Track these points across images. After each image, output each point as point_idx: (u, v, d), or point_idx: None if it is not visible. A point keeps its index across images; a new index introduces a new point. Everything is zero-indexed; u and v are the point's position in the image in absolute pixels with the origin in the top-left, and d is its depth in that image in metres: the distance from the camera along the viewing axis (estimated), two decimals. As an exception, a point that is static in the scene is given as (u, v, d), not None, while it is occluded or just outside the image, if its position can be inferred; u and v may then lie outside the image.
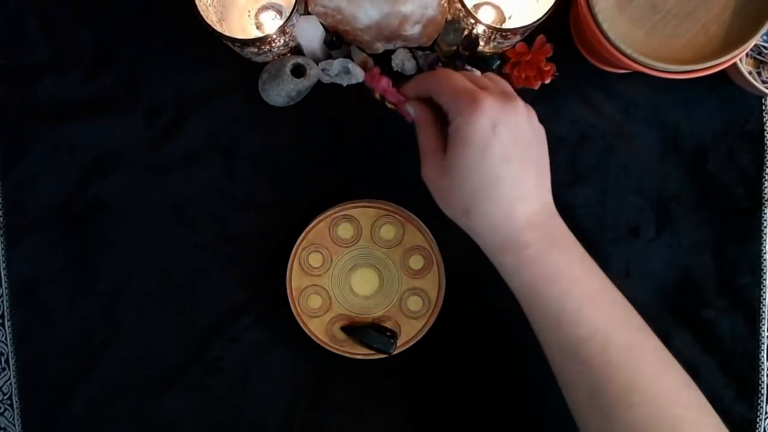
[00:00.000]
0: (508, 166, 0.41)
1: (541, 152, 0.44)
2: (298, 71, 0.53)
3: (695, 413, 0.41)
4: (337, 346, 0.53)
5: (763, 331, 0.57)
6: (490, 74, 0.45)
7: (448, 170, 0.42)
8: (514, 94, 0.43)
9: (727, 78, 0.56)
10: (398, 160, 0.56)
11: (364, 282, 0.53)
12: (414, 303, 0.53)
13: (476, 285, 0.56)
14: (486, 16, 0.54)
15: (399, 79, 0.55)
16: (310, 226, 0.52)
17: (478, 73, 0.54)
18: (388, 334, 0.52)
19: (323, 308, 0.53)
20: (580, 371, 0.41)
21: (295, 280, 0.52)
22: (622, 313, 0.43)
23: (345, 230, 0.52)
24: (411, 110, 0.46)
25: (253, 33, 0.55)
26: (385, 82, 0.47)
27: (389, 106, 0.49)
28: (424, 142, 0.44)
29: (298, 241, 0.52)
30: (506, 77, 0.55)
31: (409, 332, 0.53)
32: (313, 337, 0.52)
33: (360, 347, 0.53)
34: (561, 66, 0.54)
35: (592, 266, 0.43)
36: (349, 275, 0.53)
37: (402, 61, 0.54)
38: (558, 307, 0.41)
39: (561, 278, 0.41)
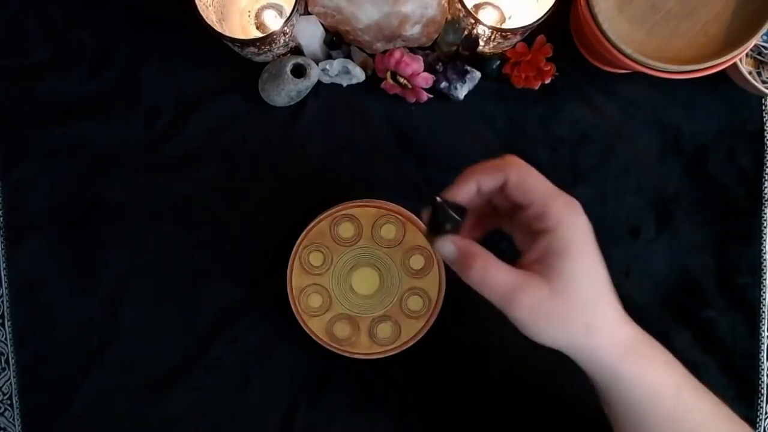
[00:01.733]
0: (603, 264, 0.38)
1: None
2: (298, 71, 0.53)
3: None
4: (337, 346, 0.53)
5: (763, 331, 0.57)
6: None
7: (563, 290, 0.36)
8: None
9: (727, 78, 0.56)
10: (399, 160, 0.56)
11: (365, 281, 0.53)
12: (414, 303, 0.53)
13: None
14: (486, 16, 0.54)
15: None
16: (311, 225, 0.52)
17: (478, 74, 0.54)
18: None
19: (323, 307, 0.53)
20: None
21: (296, 279, 0.52)
22: (712, 400, 0.41)
23: (346, 229, 0.52)
24: (450, 250, 0.38)
25: (253, 33, 0.55)
26: (398, 53, 0.47)
27: (401, 82, 0.48)
28: (502, 278, 0.37)
29: (299, 240, 0.52)
30: (506, 77, 0.55)
31: (409, 332, 0.53)
32: (314, 337, 0.52)
33: (361, 345, 0.52)
34: (561, 66, 0.54)
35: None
36: (349, 274, 0.53)
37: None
38: (674, 401, 0.39)
39: (674, 373, 0.39)
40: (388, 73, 0.52)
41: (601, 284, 0.37)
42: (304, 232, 0.52)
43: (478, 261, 0.37)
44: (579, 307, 0.36)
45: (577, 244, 0.37)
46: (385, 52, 0.54)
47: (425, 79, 0.52)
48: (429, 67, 0.54)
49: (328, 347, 0.53)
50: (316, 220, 0.52)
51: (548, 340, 0.37)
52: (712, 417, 0.40)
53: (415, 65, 0.50)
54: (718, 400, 0.41)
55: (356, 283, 0.53)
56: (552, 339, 0.37)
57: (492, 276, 0.37)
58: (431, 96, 0.54)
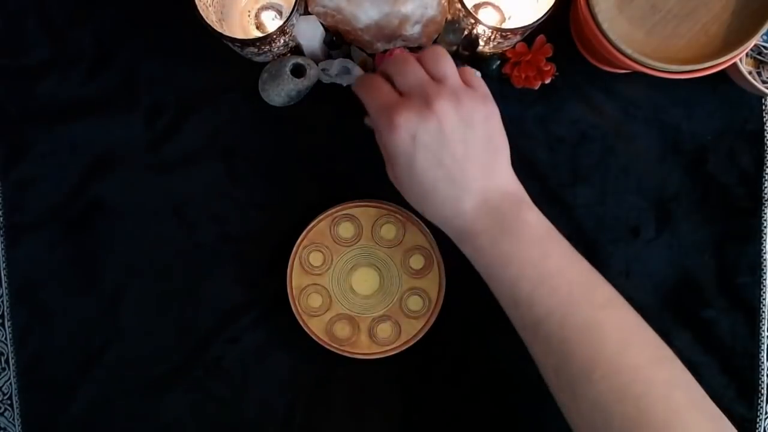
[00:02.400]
0: (439, 169, 0.42)
1: (486, 136, 0.44)
2: (298, 71, 0.53)
3: (662, 390, 0.40)
4: (337, 346, 0.53)
5: (763, 331, 0.57)
6: (426, 61, 0.44)
7: (395, 179, 0.45)
8: (440, 89, 0.42)
9: (727, 78, 0.56)
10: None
11: (365, 281, 0.53)
12: (414, 303, 0.53)
13: (476, 285, 0.56)
14: (486, 17, 0.54)
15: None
16: (311, 225, 0.52)
17: (478, 74, 0.54)
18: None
19: (323, 307, 0.53)
20: (544, 350, 0.43)
21: (296, 279, 0.52)
22: (582, 292, 0.43)
23: (346, 229, 0.52)
24: (366, 123, 0.48)
25: (253, 33, 0.55)
26: (398, 51, 0.47)
27: None
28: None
29: (299, 240, 0.52)
30: (506, 77, 0.55)
31: (409, 332, 0.53)
32: (314, 337, 0.52)
33: (361, 345, 0.52)
34: (561, 66, 0.54)
35: (551, 246, 0.44)
36: (349, 274, 0.53)
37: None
38: (512, 291, 0.43)
39: (512, 263, 0.43)
40: None
41: (420, 185, 0.43)
42: (304, 232, 0.52)
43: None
44: (408, 195, 0.45)
45: (390, 154, 0.44)
46: (385, 51, 0.54)
47: None
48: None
49: (328, 347, 0.53)
50: (316, 220, 0.52)
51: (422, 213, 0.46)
52: (559, 309, 0.42)
53: None
54: (587, 287, 0.43)
55: (356, 283, 0.53)
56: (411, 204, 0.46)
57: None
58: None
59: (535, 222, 0.44)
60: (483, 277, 0.45)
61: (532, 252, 0.43)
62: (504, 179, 0.45)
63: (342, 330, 0.53)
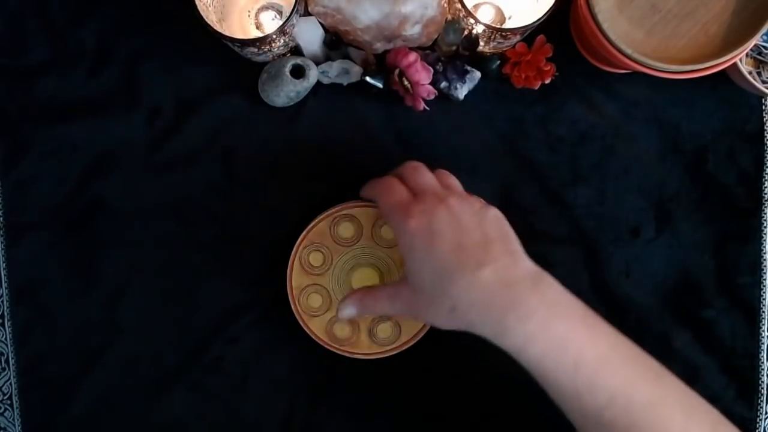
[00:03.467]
0: (461, 253, 0.41)
1: (499, 227, 0.43)
2: (298, 72, 0.53)
3: None
4: (337, 346, 0.53)
5: (763, 331, 0.57)
6: (436, 176, 0.47)
7: (414, 284, 0.43)
8: (450, 192, 0.44)
9: (727, 78, 0.56)
10: (399, 160, 0.56)
11: (365, 281, 0.53)
12: None
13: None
14: (486, 16, 0.54)
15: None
16: (311, 224, 0.52)
17: (478, 74, 0.54)
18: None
19: (323, 307, 0.53)
20: None
21: (296, 279, 0.52)
22: (637, 367, 0.41)
23: (346, 229, 0.52)
24: (348, 312, 0.48)
25: (253, 33, 0.55)
26: (413, 57, 0.47)
27: (404, 85, 0.49)
28: (381, 295, 0.47)
29: (299, 240, 0.52)
30: (506, 77, 0.55)
31: (409, 332, 0.53)
32: (314, 337, 0.52)
33: (361, 345, 0.52)
34: (561, 66, 0.54)
35: (596, 322, 0.41)
36: (349, 274, 0.53)
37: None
38: (573, 379, 0.39)
39: (569, 347, 0.40)
40: (397, 71, 0.52)
41: (441, 264, 0.41)
42: (304, 232, 0.52)
43: (365, 298, 0.47)
44: (433, 296, 0.42)
45: (405, 248, 0.43)
46: (387, 51, 0.54)
47: (427, 91, 0.52)
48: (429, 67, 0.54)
49: (328, 347, 0.53)
50: (316, 220, 0.52)
51: (440, 325, 0.44)
52: (624, 390, 0.39)
53: (423, 74, 0.51)
54: (640, 367, 0.41)
55: (356, 282, 0.53)
56: (440, 324, 0.43)
57: (375, 299, 0.47)
58: (427, 108, 0.54)
59: (573, 300, 0.41)
60: (533, 370, 0.41)
61: (584, 331, 0.40)
62: (529, 262, 0.42)
63: (342, 330, 0.53)
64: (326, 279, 0.53)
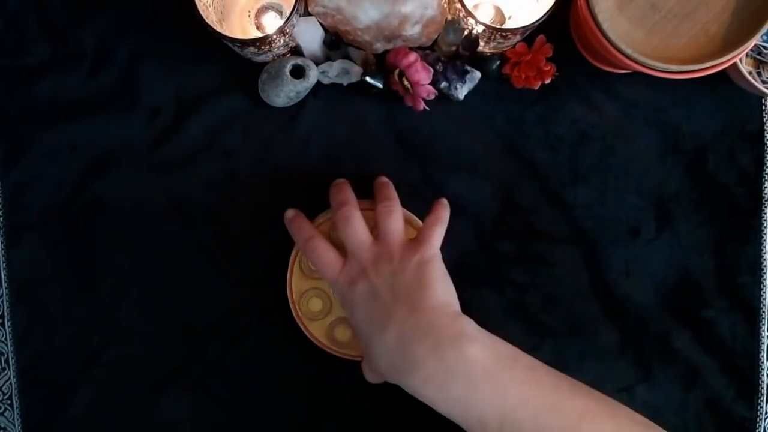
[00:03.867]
0: (370, 321, 0.44)
1: (415, 278, 0.45)
2: (298, 72, 0.53)
3: None
4: (337, 349, 0.52)
5: (763, 331, 0.57)
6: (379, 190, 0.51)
7: (364, 344, 0.47)
8: (379, 247, 0.47)
9: (727, 78, 0.56)
10: (399, 160, 0.56)
11: None
12: None
13: (476, 285, 0.56)
14: (486, 16, 0.54)
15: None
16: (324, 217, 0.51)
17: (478, 74, 0.54)
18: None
19: (323, 311, 0.52)
20: None
21: (296, 283, 0.52)
22: (551, 417, 0.41)
23: None
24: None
25: (253, 33, 0.55)
26: (413, 57, 0.47)
27: (404, 85, 0.48)
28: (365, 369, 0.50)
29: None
30: (506, 77, 0.55)
31: None
32: (315, 341, 0.52)
33: (361, 348, 0.52)
34: (561, 66, 0.54)
35: (505, 377, 0.42)
36: None
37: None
38: (480, 430, 0.41)
39: (470, 408, 0.41)
40: (397, 71, 0.52)
41: (362, 335, 0.46)
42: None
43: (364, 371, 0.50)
44: (367, 351, 0.46)
45: (351, 319, 0.47)
46: (387, 51, 0.54)
47: (427, 91, 0.52)
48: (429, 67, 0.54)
49: (328, 351, 0.52)
50: (316, 223, 0.52)
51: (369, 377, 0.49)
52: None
53: (423, 74, 0.51)
54: (546, 410, 0.41)
55: None
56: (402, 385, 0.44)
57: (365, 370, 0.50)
58: (427, 108, 0.54)
59: (480, 356, 0.42)
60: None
61: (487, 391, 0.41)
62: (433, 313, 0.43)
63: (343, 334, 0.53)
64: (326, 283, 0.52)
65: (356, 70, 0.54)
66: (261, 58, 0.53)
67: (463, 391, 0.41)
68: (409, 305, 0.43)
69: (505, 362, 0.42)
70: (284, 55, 0.54)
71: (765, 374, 0.57)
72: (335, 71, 0.54)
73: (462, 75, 0.53)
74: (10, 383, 0.57)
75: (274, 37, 0.48)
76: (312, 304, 0.52)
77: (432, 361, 0.41)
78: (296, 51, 0.55)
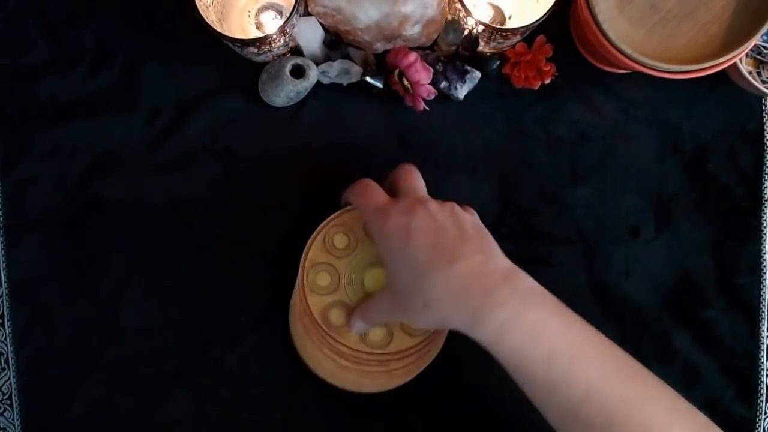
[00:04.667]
0: (434, 249, 0.41)
1: (477, 228, 0.44)
2: (298, 72, 0.53)
3: None
4: (326, 329, 0.49)
5: (763, 331, 0.57)
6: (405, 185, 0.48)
7: (392, 285, 0.44)
8: (425, 198, 0.45)
9: (727, 78, 0.56)
10: (399, 159, 0.56)
11: (378, 281, 0.52)
12: None
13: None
14: (486, 16, 0.54)
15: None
16: (350, 208, 0.50)
17: (478, 74, 0.54)
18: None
19: (328, 288, 0.51)
20: None
21: (313, 252, 0.50)
22: (614, 363, 0.40)
23: None
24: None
25: (253, 33, 0.55)
26: (413, 57, 0.47)
27: (404, 84, 0.48)
28: (372, 299, 0.47)
29: (332, 217, 0.50)
30: (506, 77, 0.55)
31: (398, 345, 0.49)
32: (307, 313, 0.50)
33: (349, 339, 0.50)
34: (561, 66, 0.54)
35: (571, 316, 0.41)
36: (366, 269, 0.51)
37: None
38: (547, 372, 0.39)
39: (543, 338, 0.39)
40: (397, 71, 0.52)
41: (419, 263, 0.41)
42: (339, 212, 0.50)
43: (365, 312, 0.47)
44: (409, 294, 0.42)
45: (383, 248, 0.44)
46: (387, 51, 0.54)
47: (427, 91, 0.52)
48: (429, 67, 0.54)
49: (316, 328, 0.50)
50: (329, 222, 0.50)
51: (416, 323, 0.45)
52: (600, 385, 0.38)
53: (423, 74, 0.51)
54: (617, 363, 0.39)
55: (369, 279, 0.51)
56: (416, 321, 0.44)
57: (371, 311, 0.47)
58: (427, 108, 0.54)
59: (547, 293, 0.41)
60: (508, 368, 0.40)
61: (558, 323, 0.40)
62: (504, 260, 0.43)
63: (337, 317, 0.50)
64: (342, 264, 0.51)
65: (356, 70, 0.54)
66: (261, 58, 0.53)
67: (537, 320, 0.39)
68: (477, 244, 0.42)
69: (562, 305, 0.41)
70: (284, 55, 0.54)
71: (765, 374, 0.57)
72: (335, 71, 0.54)
73: (462, 75, 0.53)
74: (10, 383, 0.57)
75: (274, 37, 0.48)
76: (320, 277, 0.51)
77: (507, 289, 0.40)
78: (296, 51, 0.55)
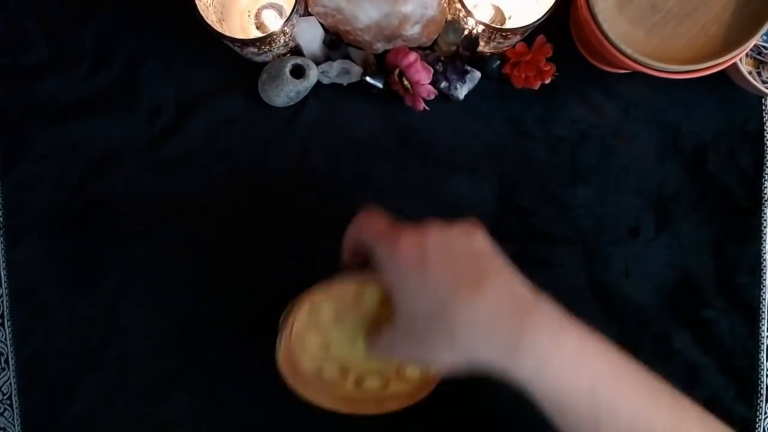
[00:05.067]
0: (456, 268, 0.37)
1: (490, 244, 0.40)
2: (298, 72, 0.53)
3: None
4: (319, 387, 0.48)
5: (763, 331, 0.57)
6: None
7: (407, 318, 0.38)
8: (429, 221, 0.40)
9: (727, 78, 0.56)
10: (399, 159, 0.56)
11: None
12: (412, 370, 0.47)
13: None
14: (486, 16, 0.54)
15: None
16: (335, 283, 0.43)
17: (478, 74, 0.54)
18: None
19: (318, 353, 0.47)
20: None
21: (299, 324, 0.45)
22: (653, 389, 0.37)
23: (371, 296, 0.44)
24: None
25: (253, 33, 0.55)
26: (413, 57, 0.47)
27: (404, 85, 0.48)
28: (380, 335, 0.42)
29: (315, 293, 0.43)
30: (506, 77, 0.55)
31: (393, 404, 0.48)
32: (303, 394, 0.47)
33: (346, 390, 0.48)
34: (561, 66, 0.54)
35: (598, 337, 0.38)
36: (358, 332, 0.46)
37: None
38: (591, 401, 0.35)
39: (585, 362, 0.36)
40: (397, 71, 0.52)
41: (437, 298, 0.37)
42: (323, 286, 0.43)
43: (376, 342, 0.42)
44: (428, 323, 0.37)
45: (395, 276, 0.39)
46: (387, 51, 0.54)
47: (427, 91, 0.52)
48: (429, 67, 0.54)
49: (309, 389, 0.47)
50: (342, 282, 0.43)
51: (440, 362, 0.38)
52: (646, 413, 0.36)
53: (423, 74, 0.51)
54: (656, 389, 0.37)
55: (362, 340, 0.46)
56: (440, 359, 0.38)
57: (380, 345, 0.42)
58: (427, 108, 0.54)
59: (570, 317, 0.38)
60: (548, 405, 0.36)
61: (593, 344, 0.36)
62: (523, 280, 0.39)
63: (330, 370, 0.47)
64: (333, 333, 0.46)
65: (356, 70, 0.54)
66: (261, 58, 0.53)
67: (576, 343, 0.36)
68: (497, 265, 0.38)
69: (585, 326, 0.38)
70: (284, 55, 0.54)
71: (764, 374, 0.57)
72: (335, 71, 0.54)
73: (462, 75, 0.53)
74: (10, 383, 0.57)
75: (274, 36, 0.48)
76: (308, 343, 0.46)
77: (539, 314, 0.36)
78: (296, 51, 0.55)
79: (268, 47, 0.50)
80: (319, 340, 0.46)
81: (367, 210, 0.43)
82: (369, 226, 0.42)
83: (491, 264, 0.38)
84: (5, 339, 0.57)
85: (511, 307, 0.36)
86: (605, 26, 0.47)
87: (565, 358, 0.35)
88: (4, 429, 0.57)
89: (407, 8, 0.49)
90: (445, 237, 0.39)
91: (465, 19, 0.49)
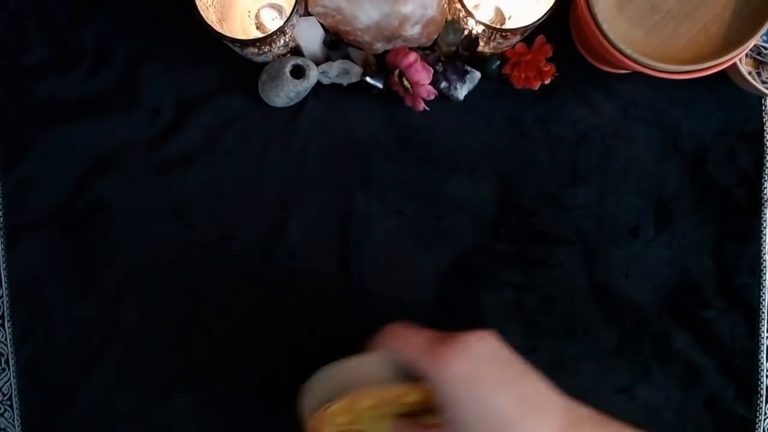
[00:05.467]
0: (513, 390, 0.36)
1: (519, 359, 0.38)
2: (298, 72, 0.53)
3: None
4: None
5: (763, 331, 0.57)
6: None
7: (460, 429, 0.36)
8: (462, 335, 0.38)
9: (727, 78, 0.56)
10: (399, 159, 0.56)
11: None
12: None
13: (475, 286, 0.56)
14: (486, 16, 0.54)
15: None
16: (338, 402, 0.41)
17: (478, 74, 0.54)
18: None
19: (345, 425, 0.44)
20: None
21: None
22: None
23: (412, 397, 0.41)
24: None
25: (254, 33, 0.55)
26: (413, 57, 0.47)
27: (404, 85, 0.48)
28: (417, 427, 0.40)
29: (330, 409, 0.41)
30: (506, 77, 0.55)
31: None
32: None
33: None
34: (561, 66, 0.54)
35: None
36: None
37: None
38: None
39: None
40: (397, 71, 0.52)
41: (499, 421, 0.35)
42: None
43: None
44: None
45: (450, 400, 0.36)
46: (387, 51, 0.54)
47: (427, 91, 0.52)
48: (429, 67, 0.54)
49: None
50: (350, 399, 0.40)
51: None
52: None
53: (423, 74, 0.51)
54: None
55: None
56: None
57: None
58: (427, 108, 0.54)
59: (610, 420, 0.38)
60: None
61: None
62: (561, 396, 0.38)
63: None
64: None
65: (356, 70, 0.54)
66: (261, 58, 0.53)
67: None
68: (541, 382, 0.37)
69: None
70: (284, 55, 0.54)
71: (764, 375, 0.57)
72: (335, 71, 0.54)
73: (462, 75, 0.53)
74: (10, 384, 0.57)
75: (274, 37, 0.48)
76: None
77: (586, 428, 0.36)
78: (296, 51, 0.55)
79: (268, 47, 0.50)
80: (348, 418, 0.43)
81: (394, 328, 0.40)
82: (404, 344, 0.39)
83: (536, 381, 0.37)
84: (5, 339, 0.57)
85: (568, 426, 0.36)
86: (605, 26, 0.47)
87: None
88: (4, 429, 0.57)
89: (407, 8, 0.49)
90: (495, 350, 0.37)
91: (465, 20, 0.49)
